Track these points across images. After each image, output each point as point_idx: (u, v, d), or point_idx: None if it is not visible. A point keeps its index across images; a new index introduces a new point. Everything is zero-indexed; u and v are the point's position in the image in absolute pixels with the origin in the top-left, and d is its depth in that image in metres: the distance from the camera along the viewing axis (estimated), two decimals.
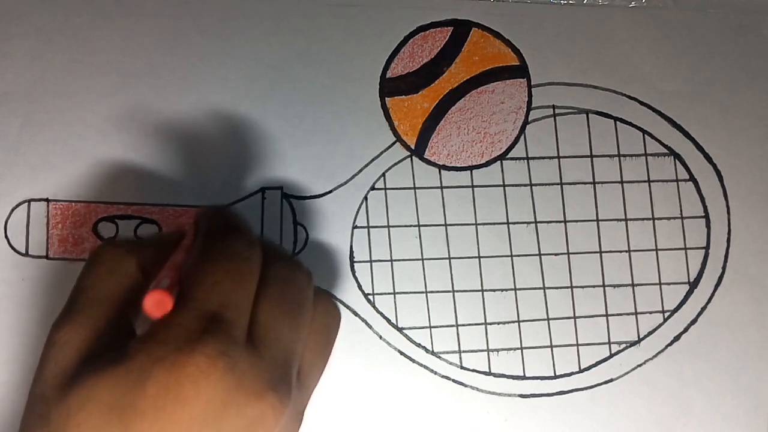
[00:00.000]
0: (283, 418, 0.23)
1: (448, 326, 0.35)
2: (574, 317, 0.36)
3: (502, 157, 0.36)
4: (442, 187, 0.36)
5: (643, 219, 0.37)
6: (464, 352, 0.35)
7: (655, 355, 0.36)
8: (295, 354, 0.25)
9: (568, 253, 0.36)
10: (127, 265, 0.25)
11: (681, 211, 0.37)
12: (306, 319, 0.26)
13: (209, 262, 0.24)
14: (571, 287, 0.36)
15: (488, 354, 0.35)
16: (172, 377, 0.21)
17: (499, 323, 0.36)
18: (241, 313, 0.23)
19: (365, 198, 0.36)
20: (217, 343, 0.22)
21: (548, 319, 0.36)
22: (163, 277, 0.24)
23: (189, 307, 0.23)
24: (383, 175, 0.36)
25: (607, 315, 0.36)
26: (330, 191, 0.36)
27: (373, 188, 0.36)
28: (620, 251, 0.36)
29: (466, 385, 0.35)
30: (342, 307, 0.35)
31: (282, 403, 0.23)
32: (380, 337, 0.35)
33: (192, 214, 0.35)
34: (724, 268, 0.37)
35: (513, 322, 0.36)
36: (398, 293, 0.35)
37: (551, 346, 0.36)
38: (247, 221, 0.29)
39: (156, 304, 0.22)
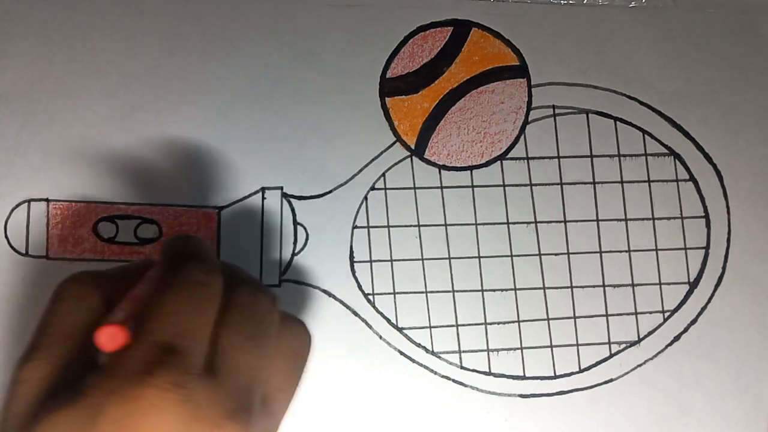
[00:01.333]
0: None
1: (448, 326, 0.35)
2: (574, 317, 0.36)
3: (502, 157, 0.36)
4: (442, 187, 0.36)
5: (643, 219, 0.37)
6: (464, 352, 0.35)
7: (655, 355, 0.36)
8: (257, 381, 0.24)
9: (568, 253, 0.36)
10: (90, 300, 0.25)
11: (681, 211, 0.37)
12: (269, 344, 0.26)
13: (164, 291, 0.24)
14: (571, 287, 0.36)
15: (488, 354, 0.35)
16: (123, 411, 0.21)
17: (499, 323, 0.36)
18: (197, 341, 0.23)
19: (365, 198, 0.36)
20: (168, 374, 0.21)
21: (548, 319, 0.36)
22: (119, 310, 0.23)
23: (142, 339, 0.22)
24: (383, 175, 0.36)
25: (607, 315, 0.36)
26: (330, 191, 0.36)
27: (373, 188, 0.36)
28: (620, 251, 0.36)
29: (466, 385, 0.35)
30: (342, 307, 0.35)
31: (242, 431, 0.22)
32: (380, 337, 0.35)
33: (192, 215, 0.35)
34: (724, 268, 0.37)
35: (513, 322, 0.36)
36: (398, 293, 0.35)
37: (551, 346, 0.36)
38: (208, 247, 0.28)
39: (108, 337, 0.22)
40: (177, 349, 0.22)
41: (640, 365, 0.36)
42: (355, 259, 0.35)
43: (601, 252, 0.36)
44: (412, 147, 0.36)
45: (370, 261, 0.35)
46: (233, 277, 0.26)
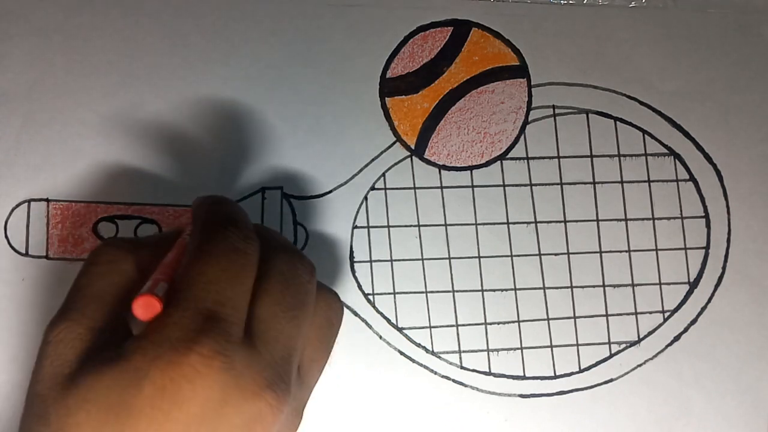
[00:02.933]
0: (282, 416, 0.23)
1: (448, 326, 0.35)
2: (574, 317, 0.36)
3: (502, 157, 0.36)
4: (442, 187, 0.36)
5: (643, 219, 0.37)
6: (464, 352, 0.35)
7: (655, 355, 0.36)
8: (296, 351, 0.25)
9: (568, 253, 0.36)
10: (124, 265, 0.25)
11: (681, 211, 0.37)
12: (307, 314, 0.26)
13: (204, 259, 0.24)
14: (571, 287, 0.36)
15: (488, 354, 0.35)
16: (168, 377, 0.21)
17: (499, 323, 0.36)
18: (237, 309, 0.23)
19: (365, 198, 0.36)
20: (212, 341, 0.22)
21: (548, 319, 0.36)
22: (155, 279, 0.24)
23: (184, 306, 0.22)
24: (383, 175, 0.36)
25: (607, 315, 0.36)
26: (330, 191, 0.36)
27: (373, 188, 0.36)
28: (620, 251, 0.36)
29: (466, 385, 0.35)
30: None
31: (280, 402, 0.23)
32: (380, 337, 0.35)
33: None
34: (724, 268, 0.37)
35: (513, 322, 0.36)
36: (398, 293, 0.35)
37: (551, 346, 0.36)
38: (243, 211, 0.28)
39: (144, 307, 0.22)
40: (219, 316, 0.22)
41: (640, 365, 0.36)
42: (355, 259, 0.35)
43: (601, 252, 0.36)
44: (412, 147, 0.36)
45: (370, 261, 0.35)
46: (270, 241, 0.26)
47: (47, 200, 0.34)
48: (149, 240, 0.28)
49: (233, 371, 0.22)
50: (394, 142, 0.36)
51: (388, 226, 0.36)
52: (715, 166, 0.37)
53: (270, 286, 0.25)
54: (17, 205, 0.34)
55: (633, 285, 0.36)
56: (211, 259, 0.24)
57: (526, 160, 0.37)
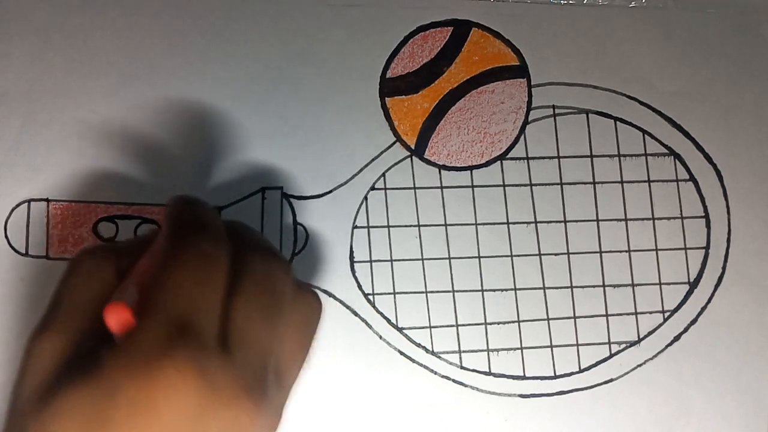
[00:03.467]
0: (260, 419, 0.23)
1: (448, 326, 0.35)
2: (574, 317, 0.36)
3: (502, 157, 0.36)
4: (442, 187, 0.36)
5: (643, 219, 0.37)
6: (464, 352, 0.35)
7: (655, 355, 0.36)
8: (271, 354, 0.24)
9: (568, 253, 0.36)
10: (104, 273, 0.25)
11: (681, 211, 0.37)
12: (283, 316, 0.25)
13: (173, 265, 0.23)
14: (571, 287, 0.36)
15: (488, 354, 0.35)
16: (142, 388, 0.21)
17: (499, 323, 0.36)
18: (210, 315, 0.23)
19: (365, 198, 0.36)
20: (185, 350, 0.21)
21: (548, 319, 0.36)
22: (126, 286, 0.23)
23: (155, 315, 0.22)
24: (383, 175, 0.36)
25: (607, 315, 0.36)
26: (330, 191, 0.36)
27: (373, 188, 0.36)
28: (620, 251, 0.36)
29: (466, 385, 0.35)
30: (342, 307, 0.35)
31: (257, 407, 0.22)
32: (380, 337, 0.35)
33: None
34: (724, 268, 0.37)
35: (513, 322, 0.36)
36: (398, 293, 0.35)
37: (551, 346, 0.36)
38: (212, 212, 0.28)
39: (113, 316, 0.22)
40: (191, 324, 0.22)
41: (640, 365, 0.36)
42: (355, 259, 0.35)
43: (601, 252, 0.36)
44: (412, 147, 0.36)
45: (370, 261, 0.35)
46: (243, 240, 0.26)
47: (47, 200, 0.34)
48: (128, 244, 0.27)
49: (208, 379, 0.21)
50: (394, 142, 0.36)
51: (388, 226, 0.36)
52: (715, 166, 0.37)
53: (244, 288, 0.24)
54: (17, 205, 0.34)
55: (633, 285, 0.36)
56: (180, 265, 0.23)
57: (526, 160, 0.37)
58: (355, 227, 0.36)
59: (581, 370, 0.36)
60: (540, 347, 0.36)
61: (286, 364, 0.26)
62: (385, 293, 0.35)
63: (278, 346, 0.25)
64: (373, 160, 0.36)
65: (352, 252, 0.35)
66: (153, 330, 0.22)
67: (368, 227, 0.36)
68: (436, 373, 0.35)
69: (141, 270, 0.24)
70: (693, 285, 0.37)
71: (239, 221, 0.29)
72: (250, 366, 0.23)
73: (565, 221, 0.36)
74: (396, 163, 0.36)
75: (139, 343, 0.22)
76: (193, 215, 0.26)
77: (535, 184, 0.36)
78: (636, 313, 0.36)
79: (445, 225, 0.36)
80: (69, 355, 0.23)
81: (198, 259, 0.24)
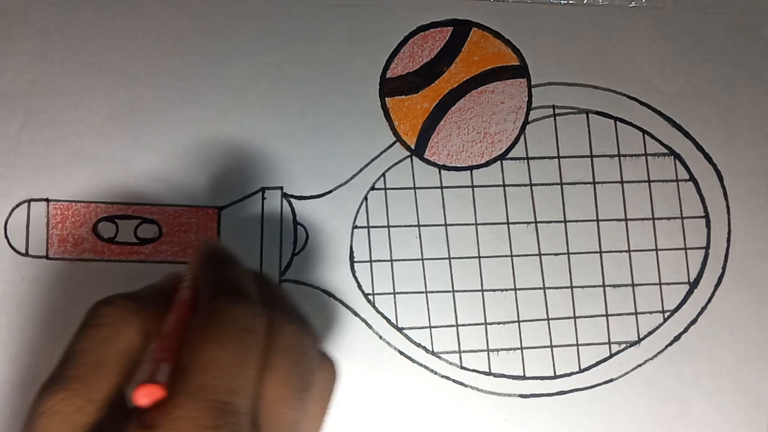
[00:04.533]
0: None
1: (448, 326, 0.35)
2: (574, 317, 0.36)
3: (502, 157, 0.36)
4: (442, 187, 0.36)
5: (643, 219, 0.37)
6: (464, 352, 0.35)
7: (655, 355, 0.36)
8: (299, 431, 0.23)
9: (568, 253, 0.36)
10: (128, 329, 0.23)
11: (681, 211, 0.37)
12: (312, 394, 0.24)
13: (213, 340, 0.22)
14: (571, 287, 0.36)
15: (488, 354, 0.35)
16: None
17: (499, 323, 0.36)
18: (247, 397, 0.22)
19: (365, 198, 0.36)
20: None
21: (548, 319, 0.36)
22: (156, 359, 0.22)
23: (194, 396, 0.21)
24: (383, 175, 0.36)
25: (607, 315, 0.36)
26: (330, 191, 0.36)
27: (373, 188, 0.36)
28: (620, 251, 0.36)
29: (466, 385, 0.35)
30: (342, 307, 0.35)
31: None
32: (380, 337, 0.35)
33: (192, 214, 0.35)
34: (724, 268, 0.37)
35: (513, 322, 0.36)
36: (398, 293, 0.35)
37: (551, 346, 0.36)
38: (246, 272, 0.26)
39: (147, 398, 0.20)
40: (231, 408, 0.21)
41: (640, 365, 0.36)
42: (355, 259, 0.35)
43: (601, 252, 0.36)
44: (412, 147, 0.36)
45: (370, 261, 0.35)
46: (273, 304, 0.25)
47: (47, 200, 0.34)
48: (150, 294, 0.25)
49: None
50: (394, 142, 0.36)
51: (388, 226, 0.36)
52: (715, 166, 0.37)
53: (278, 364, 0.23)
54: (17, 205, 0.34)
55: (633, 285, 0.36)
56: (222, 342, 0.22)
57: (526, 160, 0.37)
58: (355, 227, 0.36)
59: (581, 370, 0.36)
60: (540, 347, 0.36)
61: None
62: (385, 293, 0.35)
63: (304, 425, 0.24)
64: (373, 160, 0.36)
65: (352, 252, 0.35)
66: (193, 413, 0.20)
67: (368, 227, 0.36)
68: (436, 373, 0.35)
69: (168, 334, 0.23)
70: (693, 285, 0.37)
71: (265, 275, 0.27)
72: None
73: (565, 221, 0.36)
74: (396, 163, 0.36)
75: (178, 425, 0.20)
76: (230, 282, 0.25)
77: (535, 184, 0.36)
78: (636, 313, 0.36)
79: (445, 225, 0.36)
80: (88, 420, 0.21)
81: (238, 335, 0.22)
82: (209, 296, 0.24)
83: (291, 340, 0.24)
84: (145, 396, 0.20)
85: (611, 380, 0.36)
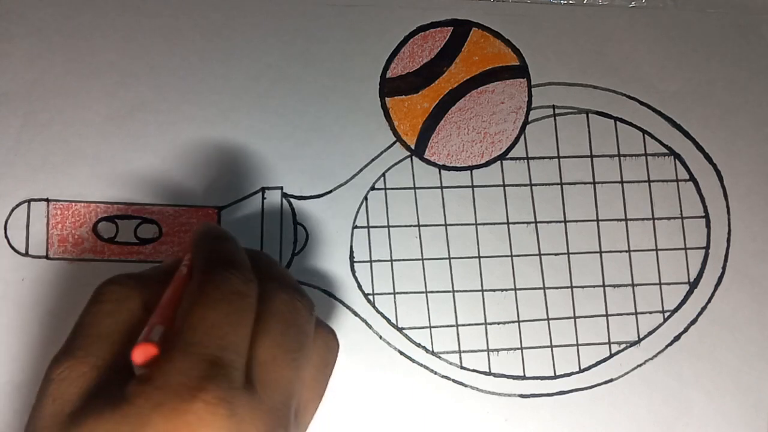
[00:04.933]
0: None
1: (448, 326, 0.35)
2: (574, 317, 0.36)
3: (502, 157, 0.36)
4: (442, 187, 0.36)
5: (643, 219, 0.37)
6: (464, 352, 0.35)
7: (655, 355, 0.36)
8: (294, 394, 0.24)
9: (568, 253, 0.36)
10: (130, 303, 0.25)
11: (681, 211, 0.37)
12: (307, 357, 0.25)
13: (206, 303, 0.23)
14: (571, 287, 0.36)
15: (488, 354, 0.35)
16: (171, 424, 0.21)
17: (499, 323, 0.36)
18: (239, 354, 0.23)
19: (365, 198, 0.36)
20: (217, 389, 0.21)
21: (548, 319, 0.36)
22: (151, 323, 0.23)
23: (188, 351, 0.22)
24: (383, 175, 0.36)
25: (607, 315, 0.36)
26: (330, 191, 0.36)
27: (373, 188, 0.36)
28: (620, 251, 0.36)
29: (466, 385, 0.35)
30: (342, 307, 0.35)
31: None
32: (380, 337, 0.35)
33: (192, 214, 0.35)
34: (724, 268, 0.37)
35: (513, 322, 0.36)
36: (398, 293, 0.35)
37: (551, 346, 0.36)
38: (241, 249, 0.28)
39: (143, 356, 0.22)
40: (222, 363, 0.22)
41: (640, 365, 0.36)
42: (355, 259, 0.35)
43: (601, 252, 0.36)
44: (412, 147, 0.36)
45: (370, 261, 0.35)
46: (269, 274, 0.26)
47: (47, 200, 0.34)
48: (152, 274, 0.27)
49: (236, 418, 0.21)
50: (394, 142, 0.36)
51: (388, 226, 0.36)
52: (715, 166, 0.37)
53: (270, 327, 0.24)
54: (17, 205, 0.34)
55: (633, 285, 0.36)
56: (213, 303, 0.23)
57: (526, 160, 0.37)
58: (355, 227, 0.36)
59: (581, 370, 0.36)
60: (540, 347, 0.36)
61: (304, 403, 0.26)
62: (385, 293, 0.35)
63: (300, 387, 0.25)
64: (373, 160, 0.36)
65: (352, 252, 0.35)
66: (184, 366, 0.22)
67: (368, 227, 0.36)
68: (436, 373, 0.35)
69: (166, 303, 0.24)
70: (693, 285, 0.37)
71: (264, 253, 0.29)
72: (275, 406, 0.23)
73: (565, 221, 0.36)
74: (396, 163, 0.36)
75: (170, 378, 0.21)
76: (223, 252, 0.26)
77: (535, 184, 0.36)
78: (636, 313, 0.36)
79: (445, 225, 0.36)
80: (94, 384, 0.23)
81: (230, 297, 0.24)
82: (202, 266, 0.25)
83: (283, 305, 0.25)
84: (140, 354, 0.22)
85: (611, 380, 0.36)
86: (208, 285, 0.24)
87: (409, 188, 0.36)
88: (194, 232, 0.29)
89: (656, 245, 0.37)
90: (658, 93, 0.37)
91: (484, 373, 0.35)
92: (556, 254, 0.36)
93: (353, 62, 0.36)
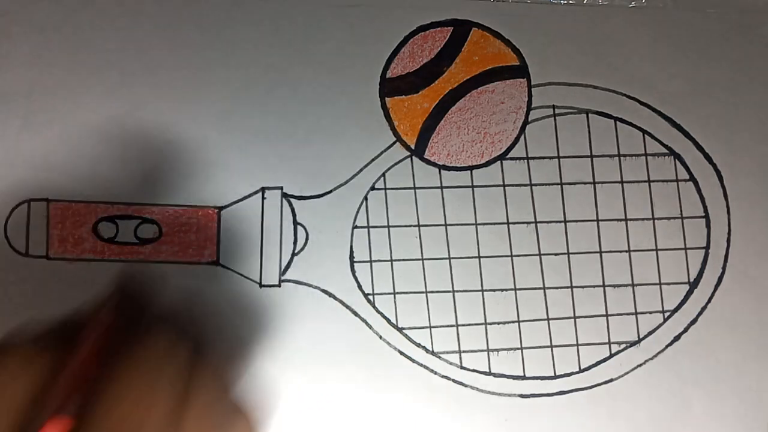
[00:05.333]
0: None
1: (448, 326, 0.35)
2: (574, 317, 0.36)
3: (502, 157, 0.36)
4: (442, 187, 0.36)
5: (643, 219, 0.37)
6: (464, 352, 0.35)
7: (655, 355, 0.36)
8: None
9: (568, 253, 0.36)
10: (23, 378, 0.21)
11: (681, 211, 0.37)
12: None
13: (118, 380, 0.21)
14: (571, 287, 0.36)
15: (488, 354, 0.35)
16: None
17: (499, 323, 0.36)
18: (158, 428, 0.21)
19: (365, 198, 0.36)
20: None
21: (548, 319, 0.36)
22: (66, 397, 0.21)
23: (101, 427, 0.20)
24: (383, 175, 0.36)
25: (607, 315, 0.36)
26: (330, 191, 0.36)
27: (373, 188, 0.36)
28: (620, 251, 0.36)
29: (466, 385, 0.35)
30: (342, 307, 0.35)
31: None
32: (380, 337, 0.35)
33: (192, 214, 0.35)
34: (724, 268, 0.37)
35: (513, 322, 0.36)
36: (398, 293, 0.35)
37: (551, 346, 0.36)
38: (155, 302, 0.26)
39: (56, 430, 0.20)
40: None
41: (640, 365, 0.36)
42: (355, 259, 0.35)
43: (601, 252, 0.36)
44: (412, 147, 0.36)
45: (370, 261, 0.35)
46: (193, 330, 0.24)
47: (47, 200, 0.34)
48: (52, 332, 0.24)
49: None
50: (394, 142, 0.36)
51: (388, 226, 0.36)
52: (715, 166, 0.37)
53: (193, 407, 0.22)
54: (17, 205, 0.34)
55: (633, 285, 0.36)
56: (126, 382, 0.21)
57: (526, 160, 0.37)
58: (355, 227, 0.36)
59: (581, 370, 0.36)
60: (540, 347, 0.36)
61: None
62: (385, 293, 0.35)
63: None
64: (373, 160, 0.36)
65: (352, 252, 0.35)
66: None
67: (368, 227, 0.36)
68: (436, 373, 0.35)
69: (76, 372, 0.22)
70: (693, 285, 0.37)
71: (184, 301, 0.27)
72: None
73: (565, 221, 0.36)
74: (396, 163, 0.36)
75: None
76: (139, 314, 0.24)
77: (535, 184, 0.36)
78: (636, 313, 0.36)
79: (445, 225, 0.36)
80: None
81: (147, 376, 0.22)
82: (117, 324, 0.23)
83: (210, 382, 0.23)
84: (54, 429, 0.20)
85: (611, 380, 0.36)
86: (130, 356, 0.22)
87: (409, 188, 0.36)
88: (116, 280, 0.26)
89: (656, 245, 0.37)
90: (658, 93, 0.37)
91: (484, 373, 0.35)
92: (556, 254, 0.36)
93: (353, 62, 0.36)
